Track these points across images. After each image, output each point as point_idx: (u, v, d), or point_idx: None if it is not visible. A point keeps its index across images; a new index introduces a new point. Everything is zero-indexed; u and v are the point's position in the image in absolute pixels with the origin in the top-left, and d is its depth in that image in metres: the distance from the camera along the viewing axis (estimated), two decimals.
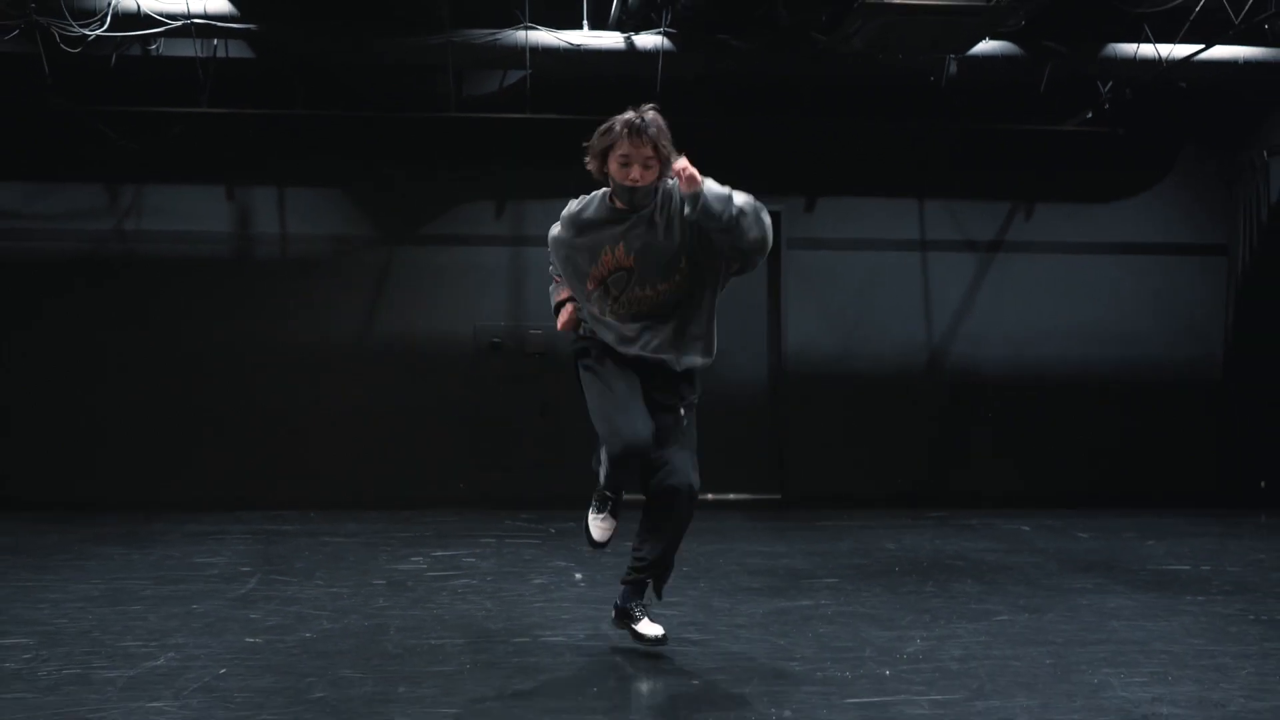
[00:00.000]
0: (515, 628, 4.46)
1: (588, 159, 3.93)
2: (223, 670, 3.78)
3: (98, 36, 7.71)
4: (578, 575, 5.65)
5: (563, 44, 8.08)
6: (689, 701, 3.44)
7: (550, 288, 4.37)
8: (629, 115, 3.82)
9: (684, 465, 3.92)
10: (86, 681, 3.66)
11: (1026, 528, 7.50)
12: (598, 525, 4.02)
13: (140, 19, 7.71)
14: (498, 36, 8.06)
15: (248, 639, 4.25)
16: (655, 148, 3.77)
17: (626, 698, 3.57)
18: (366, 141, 9.04)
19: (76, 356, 8.78)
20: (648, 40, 8.16)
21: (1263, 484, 9.21)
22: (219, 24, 7.86)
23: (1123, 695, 3.48)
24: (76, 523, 7.46)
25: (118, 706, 3.38)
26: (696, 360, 3.98)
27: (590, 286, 3.98)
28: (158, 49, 8.21)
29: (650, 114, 3.81)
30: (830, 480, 9.21)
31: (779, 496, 9.26)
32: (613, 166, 3.84)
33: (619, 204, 3.93)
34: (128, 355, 8.81)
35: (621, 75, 8.39)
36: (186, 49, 8.14)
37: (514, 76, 8.84)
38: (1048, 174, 9.51)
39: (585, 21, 8.15)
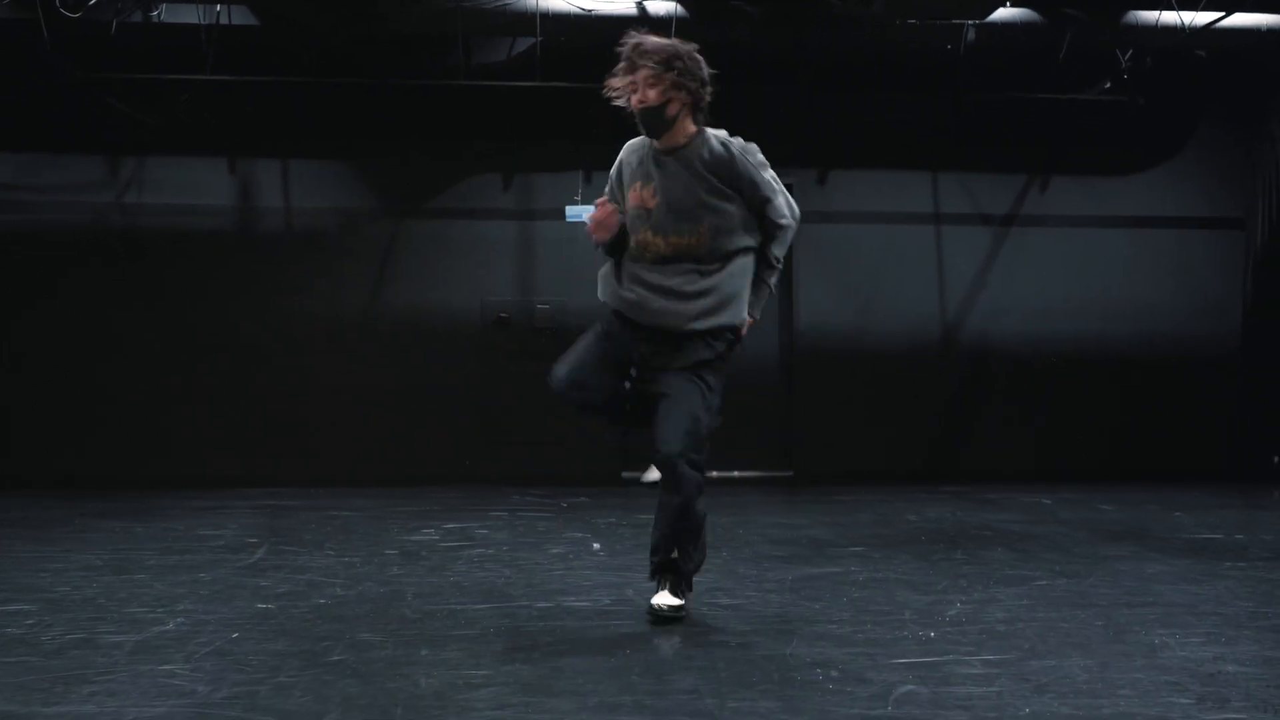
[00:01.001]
0: (537, 593, 4.29)
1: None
2: (235, 634, 3.61)
3: (98, 1, 7.55)
4: (596, 545, 5.49)
5: (574, 10, 7.90)
6: (730, 662, 3.28)
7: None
8: (623, 47, 3.72)
9: (667, 432, 3.70)
10: (93, 645, 3.48)
11: (1047, 500, 7.34)
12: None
13: None
14: (508, 2, 7.87)
15: (259, 605, 4.07)
16: (653, 64, 3.65)
17: (664, 657, 3.40)
18: (372, 112, 8.85)
19: (77, 331, 8.60)
20: (660, 6, 7.99)
21: (1276, 459, 9.06)
22: None
23: (1183, 655, 3.32)
24: (80, 499, 7.29)
25: (126, 669, 3.21)
26: (710, 321, 3.77)
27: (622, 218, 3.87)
28: (159, 15, 8.01)
29: (642, 39, 3.70)
30: (842, 457, 9.05)
31: (790, 474, 9.10)
32: (631, 101, 3.74)
33: (655, 143, 3.81)
34: (129, 329, 8.62)
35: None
36: (189, 15, 7.96)
37: (523, 44, 8.64)
38: (1064, 146, 9.34)
39: None
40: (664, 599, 3.81)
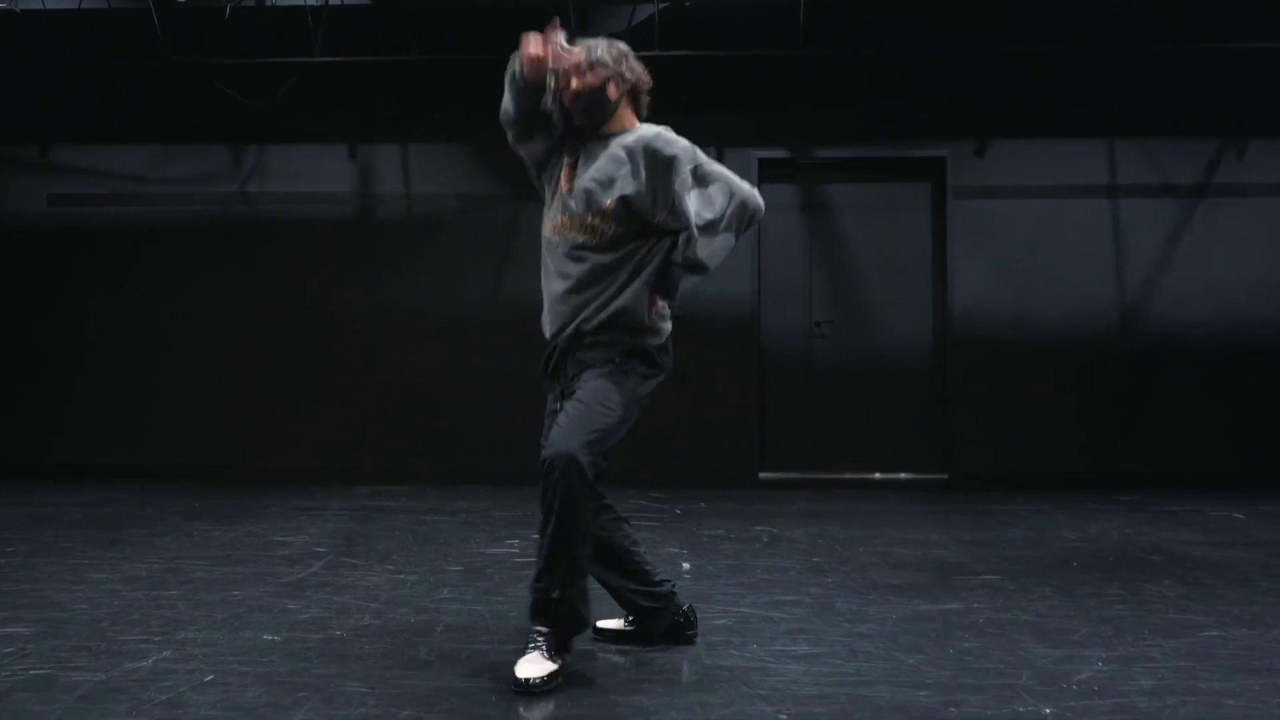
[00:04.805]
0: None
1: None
2: (209, 677, 3.11)
3: None
4: (685, 565, 4.83)
5: None
6: None
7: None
8: None
9: (559, 434, 3.26)
10: (46, 687, 3.03)
11: (1240, 515, 6.29)
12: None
13: None
14: None
15: (265, 636, 3.58)
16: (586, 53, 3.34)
17: None
18: (488, 90, 8.37)
19: (204, 320, 8.51)
20: None
21: None
22: None
23: None
24: (185, 495, 7.09)
25: None
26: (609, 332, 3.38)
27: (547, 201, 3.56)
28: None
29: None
30: (1004, 458, 8.12)
31: (945, 476, 8.22)
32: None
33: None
34: (253, 319, 8.48)
35: (760, 7, 7.51)
36: None
37: (643, 13, 8.02)
38: (1265, 103, 8.13)
39: None
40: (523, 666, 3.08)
